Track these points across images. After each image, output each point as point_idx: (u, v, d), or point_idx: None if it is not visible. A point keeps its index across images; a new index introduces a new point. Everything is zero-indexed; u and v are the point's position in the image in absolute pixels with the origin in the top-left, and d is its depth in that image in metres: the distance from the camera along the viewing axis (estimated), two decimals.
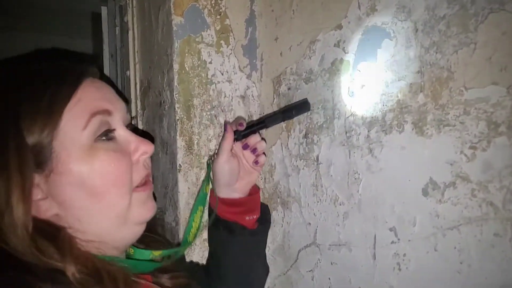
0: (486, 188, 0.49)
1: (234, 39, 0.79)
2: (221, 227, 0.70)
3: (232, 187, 0.70)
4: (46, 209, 0.47)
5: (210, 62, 0.77)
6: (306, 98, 0.70)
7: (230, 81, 0.79)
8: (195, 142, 0.76)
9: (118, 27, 0.94)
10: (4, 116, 0.45)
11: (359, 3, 0.62)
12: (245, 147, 0.70)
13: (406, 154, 0.58)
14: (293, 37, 0.74)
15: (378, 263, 0.62)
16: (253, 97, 0.82)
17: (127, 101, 0.57)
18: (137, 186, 0.52)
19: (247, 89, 0.81)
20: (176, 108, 0.74)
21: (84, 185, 0.47)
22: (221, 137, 0.75)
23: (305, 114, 0.72)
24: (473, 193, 0.51)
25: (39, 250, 0.43)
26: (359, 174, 0.64)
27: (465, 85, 0.50)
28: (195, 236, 0.70)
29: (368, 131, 0.62)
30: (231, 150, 0.68)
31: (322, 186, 0.71)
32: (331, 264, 0.70)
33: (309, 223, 0.74)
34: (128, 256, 0.57)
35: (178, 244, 0.72)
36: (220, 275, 0.72)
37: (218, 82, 0.78)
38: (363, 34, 0.62)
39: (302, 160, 0.75)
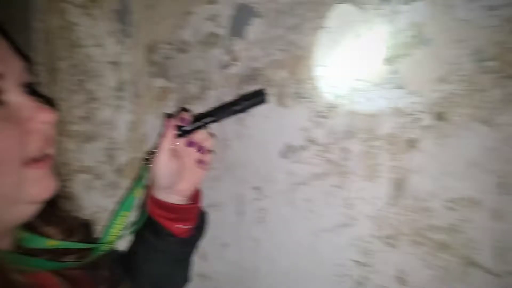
0: (329, 149, 0.61)
1: (106, 2, 0.76)
2: (147, 226, 0.63)
3: (172, 189, 0.62)
4: None
5: (78, 24, 0.73)
6: (263, 88, 0.62)
7: (100, 46, 0.76)
8: (60, 108, 0.72)
9: None
10: None
11: None
12: (190, 144, 0.61)
13: (269, 122, 0.66)
14: (169, 7, 0.75)
15: (244, 218, 0.71)
16: (125, 64, 0.80)
17: (27, 58, 0.47)
18: (33, 161, 0.43)
19: (118, 55, 0.79)
20: (39, 70, 0.68)
21: None
22: (159, 134, 0.66)
23: (182, 83, 0.75)
24: (319, 153, 0.62)
25: None
26: (229, 141, 0.71)
27: (319, 62, 0.60)
28: (111, 243, 0.61)
29: None
30: (172, 148, 0.60)
31: None
32: None
33: None
34: (17, 239, 0.49)
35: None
36: (134, 275, 0.65)
37: (87, 46, 0.74)
38: (235, 10, 0.67)
39: None
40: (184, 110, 0.61)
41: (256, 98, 0.59)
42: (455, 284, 0.54)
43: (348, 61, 0.58)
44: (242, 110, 0.60)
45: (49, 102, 0.51)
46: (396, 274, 0.58)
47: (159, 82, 0.78)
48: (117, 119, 0.80)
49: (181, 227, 0.63)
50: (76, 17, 0.73)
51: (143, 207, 0.66)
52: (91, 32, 0.75)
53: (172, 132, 0.59)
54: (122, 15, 0.79)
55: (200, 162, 0.62)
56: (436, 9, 0.49)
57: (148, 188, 0.64)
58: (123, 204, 0.63)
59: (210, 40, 0.70)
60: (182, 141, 0.61)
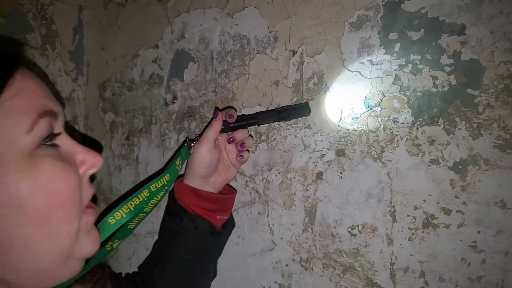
0: (254, 180, 0.67)
1: (61, 44, 0.83)
2: (186, 221, 0.60)
3: (206, 180, 0.62)
4: None
5: (34, 64, 0.79)
6: (308, 103, 0.62)
7: (54, 83, 0.83)
8: None
9: None
10: None
11: (172, 29, 0.75)
12: (231, 141, 0.63)
13: None
14: (118, 49, 0.83)
15: None
16: (78, 99, 0.87)
17: (62, 102, 0.44)
18: (85, 208, 0.40)
19: (72, 92, 0.86)
20: None
21: (22, 207, 0.33)
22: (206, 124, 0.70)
23: (129, 117, 0.81)
24: (247, 184, 0.68)
25: None
26: None
27: (242, 104, 0.68)
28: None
29: (177, 136, 0.75)
30: (215, 140, 0.61)
31: (141, 183, 0.81)
32: (146, 250, 0.81)
33: None
34: None
35: None
36: (164, 274, 0.62)
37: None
38: (174, 55, 0.75)
39: (124, 160, 0.83)
40: (231, 109, 0.63)
41: (301, 109, 0.61)
42: None
43: (266, 103, 0.65)
44: (286, 119, 0.62)
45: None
46: None
47: (109, 117, 0.85)
48: None
49: (221, 218, 0.63)
50: (32, 57, 0.79)
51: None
52: (46, 70, 0.81)
53: (219, 124, 0.60)
54: (76, 55, 0.86)
55: (237, 159, 0.64)
56: (333, 62, 0.58)
57: (179, 181, 0.63)
58: (164, 172, 0.59)
59: (154, 80, 0.78)
60: (224, 136, 0.63)
